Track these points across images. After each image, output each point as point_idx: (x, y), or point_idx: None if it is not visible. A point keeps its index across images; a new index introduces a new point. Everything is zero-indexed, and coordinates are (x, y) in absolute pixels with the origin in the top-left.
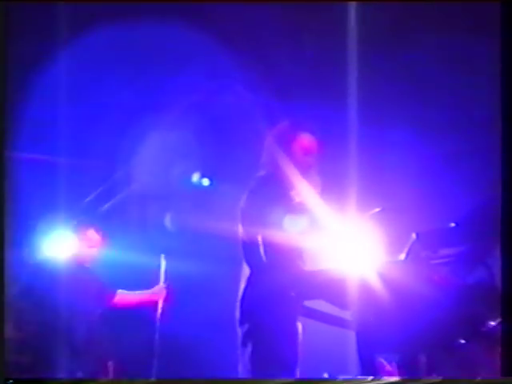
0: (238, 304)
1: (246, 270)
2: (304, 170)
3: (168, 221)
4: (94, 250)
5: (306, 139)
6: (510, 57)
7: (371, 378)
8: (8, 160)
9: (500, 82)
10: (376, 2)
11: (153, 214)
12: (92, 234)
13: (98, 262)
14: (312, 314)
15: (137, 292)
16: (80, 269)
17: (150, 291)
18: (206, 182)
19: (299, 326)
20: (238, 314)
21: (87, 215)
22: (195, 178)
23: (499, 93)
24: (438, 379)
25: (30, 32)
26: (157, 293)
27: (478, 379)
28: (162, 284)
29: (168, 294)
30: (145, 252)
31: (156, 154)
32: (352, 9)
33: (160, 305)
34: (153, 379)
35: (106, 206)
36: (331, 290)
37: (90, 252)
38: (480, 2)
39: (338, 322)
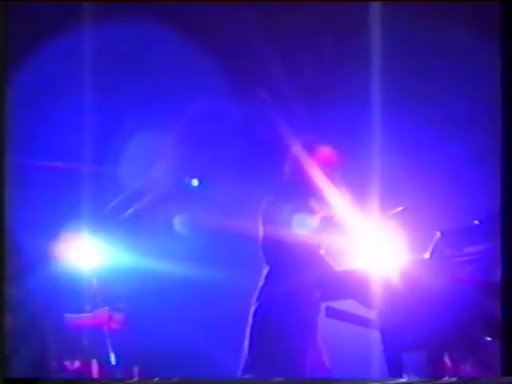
0: (253, 301)
1: (264, 270)
2: (326, 179)
3: (181, 224)
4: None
5: (325, 152)
6: (510, 57)
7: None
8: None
9: (500, 81)
10: (381, 2)
11: (170, 219)
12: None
13: None
14: (336, 314)
15: (81, 315)
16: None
17: (91, 314)
18: (195, 182)
19: (318, 324)
20: (252, 311)
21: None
22: (187, 180)
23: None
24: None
25: (33, 33)
26: (98, 316)
27: (479, 379)
28: (104, 308)
29: (110, 317)
30: (167, 258)
31: (172, 158)
32: (372, 10)
33: (105, 327)
34: (154, 379)
35: (128, 212)
36: (357, 289)
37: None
38: (480, 2)
39: (363, 322)
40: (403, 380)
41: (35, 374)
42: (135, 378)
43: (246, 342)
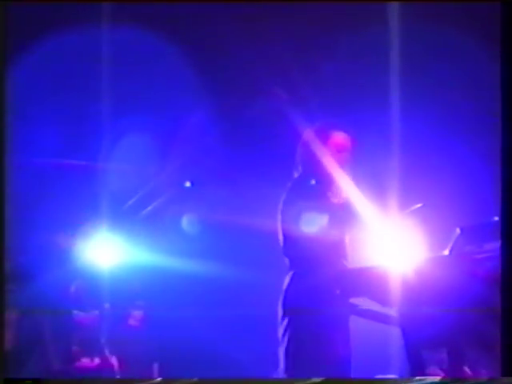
0: (280, 301)
1: (287, 269)
2: (339, 167)
3: (197, 223)
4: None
5: (339, 136)
6: (510, 57)
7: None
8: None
9: (500, 81)
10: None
11: (187, 218)
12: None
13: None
14: (356, 310)
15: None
16: None
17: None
18: (187, 184)
19: (348, 323)
20: (280, 311)
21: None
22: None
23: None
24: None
25: (35, 32)
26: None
27: (479, 379)
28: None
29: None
30: (185, 256)
31: (186, 157)
32: (390, 7)
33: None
34: (157, 379)
35: (146, 210)
36: (376, 287)
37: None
38: (480, 2)
39: (383, 319)
40: (424, 379)
41: (52, 372)
42: (158, 379)
43: (283, 348)
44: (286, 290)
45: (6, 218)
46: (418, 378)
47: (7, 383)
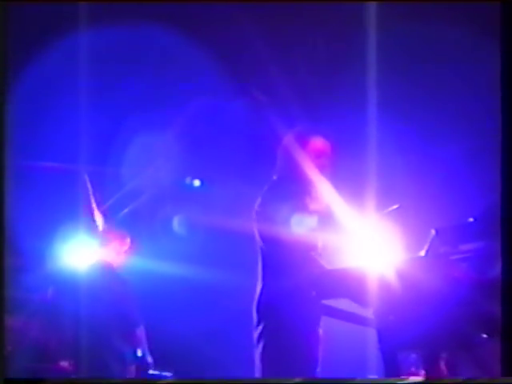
0: (254, 304)
1: (261, 272)
2: (317, 172)
3: (179, 224)
4: (122, 256)
5: (318, 142)
6: (510, 57)
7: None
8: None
9: (500, 81)
10: (379, 2)
11: (169, 219)
12: (120, 241)
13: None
14: (332, 312)
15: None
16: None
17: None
18: (196, 182)
19: (319, 325)
20: (255, 314)
21: (112, 221)
22: (188, 180)
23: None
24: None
25: (33, 34)
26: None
27: (481, 379)
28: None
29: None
30: (165, 258)
31: (170, 158)
32: (367, 9)
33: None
34: (154, 379)
35: (124, 211)
36: (352, 288)
37: (118, 258)
38: (480, 2)
39: (359, 320)
40: (400, 380)
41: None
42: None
43: (256, 344)
44: (261, 294)
45: (5, 219)
46: (401, 378)
47: (7, 383)
